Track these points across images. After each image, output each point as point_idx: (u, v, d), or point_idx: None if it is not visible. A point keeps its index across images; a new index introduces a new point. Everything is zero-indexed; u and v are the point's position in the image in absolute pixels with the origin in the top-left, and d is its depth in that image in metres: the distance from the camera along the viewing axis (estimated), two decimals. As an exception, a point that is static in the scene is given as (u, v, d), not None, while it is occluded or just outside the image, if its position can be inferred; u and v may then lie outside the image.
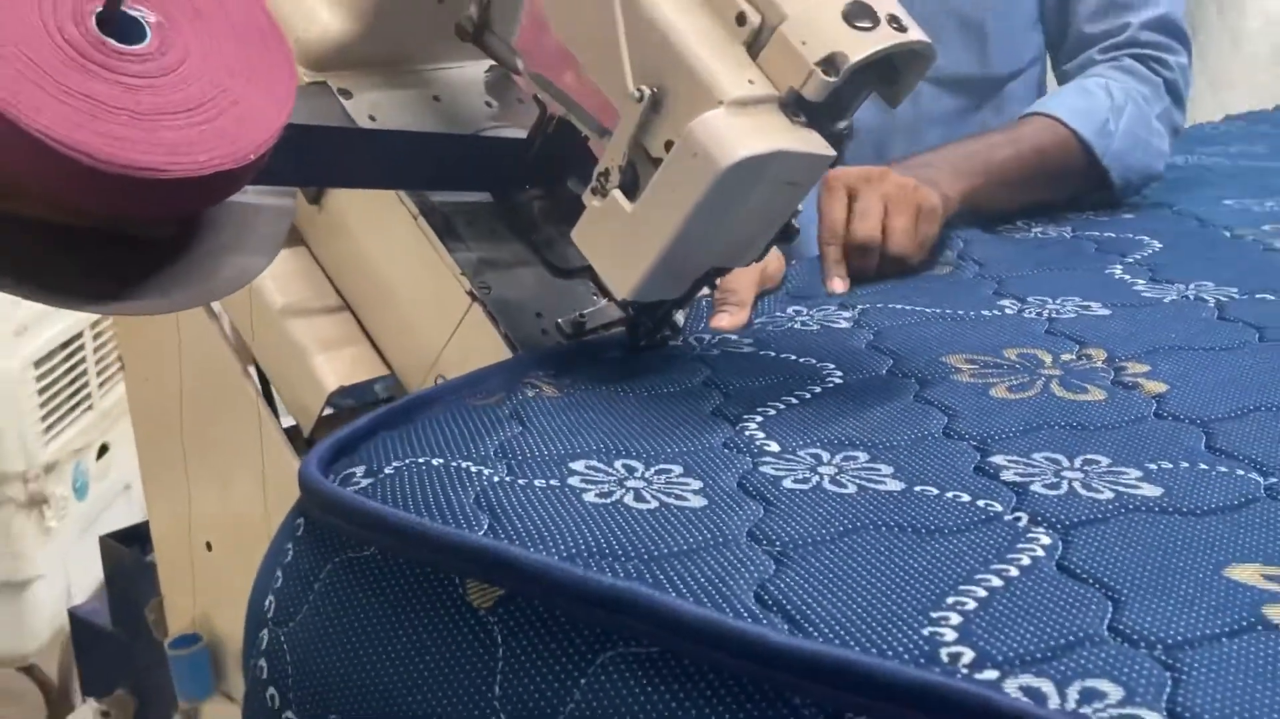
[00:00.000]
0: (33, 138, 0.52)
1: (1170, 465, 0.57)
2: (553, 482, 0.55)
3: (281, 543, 0.57)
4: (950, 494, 0.55)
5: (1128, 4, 1.17)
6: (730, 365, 0.72)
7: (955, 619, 0.44)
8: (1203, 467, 0.57)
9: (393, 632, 0.51)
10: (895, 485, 0.56)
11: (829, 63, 0.61)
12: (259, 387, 0.84)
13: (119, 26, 0.57)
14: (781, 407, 0.65)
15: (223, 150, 0.57)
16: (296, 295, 0.80)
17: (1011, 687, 0.40)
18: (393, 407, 0.62)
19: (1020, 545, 0.50)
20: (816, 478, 0.56)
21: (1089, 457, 0.58)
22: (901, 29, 0.63)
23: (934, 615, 0.44)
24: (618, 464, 0.57)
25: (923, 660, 0.42)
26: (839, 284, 0.90)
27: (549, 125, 0.77)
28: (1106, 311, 0.83)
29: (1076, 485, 0.55)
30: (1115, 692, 0.40)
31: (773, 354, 0.75)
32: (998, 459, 0.58)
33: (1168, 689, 0.40)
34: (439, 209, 0.76)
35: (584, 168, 0.74)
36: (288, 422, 0.84)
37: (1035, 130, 1.09)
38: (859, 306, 0.86)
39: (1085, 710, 0.39)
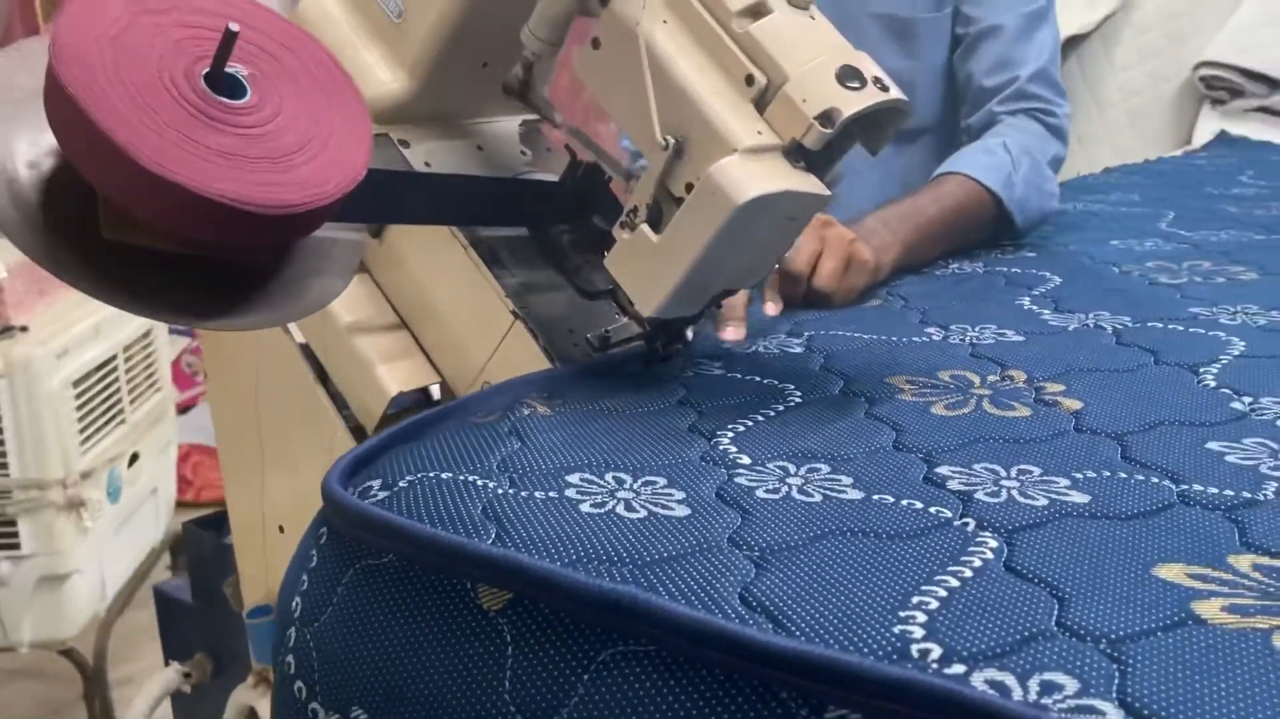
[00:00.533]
0: (193, 195, 0.52)
1: (1094, 474, 0.55)
2: (551, 493, 0.52)
3: (306, 549, 0.54)
4: (905, 502, 0.52)
5: (1015, 61, 1.21)
6: (703, 386, 0.70)
7: (921, 618, 0.41)
8: (1122, 475, 0.55)
9: (410, 631, 0.48)
10: (856, 494, 0.53)
11: (826, 117, 0.63)
12: (327, 392, 0.85)
13: (224, 84, 0.57)
14: (750, 424, 0.63)
15: (337, 180, 0.57)
16: (362, 314, 0.82)
17: (978, 680, 0.38)
18: (404, 425, 0.59)
19: (971, 548, 0.47)
20: (786, 488, 0.54)
21: (1022, 467, 0.56)
22: (885, 88, 0.65)
23: (902, 614, 0.42)
24: (608, 476, 0.54)
25: (896, 657, 0.39)
26: (770, 307, 0.90)
27: (578, 170, 0.78)
28: (1020, 338, 0.81)
29: (1014, 493, 0.53)
30: (1071, 684, 0.38)
31: (739, 376, 0.73)
32: (943, 470, 0.56)
33: (1116, 680, 0.38)
34: (485, 241, 0.78)
35: (607, 206, 0.77)
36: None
37: (953, 188, 1.10)
38: (806, 334, 0.83)
39: (1046, 702, 0.37)
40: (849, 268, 0.93)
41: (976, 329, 0.83)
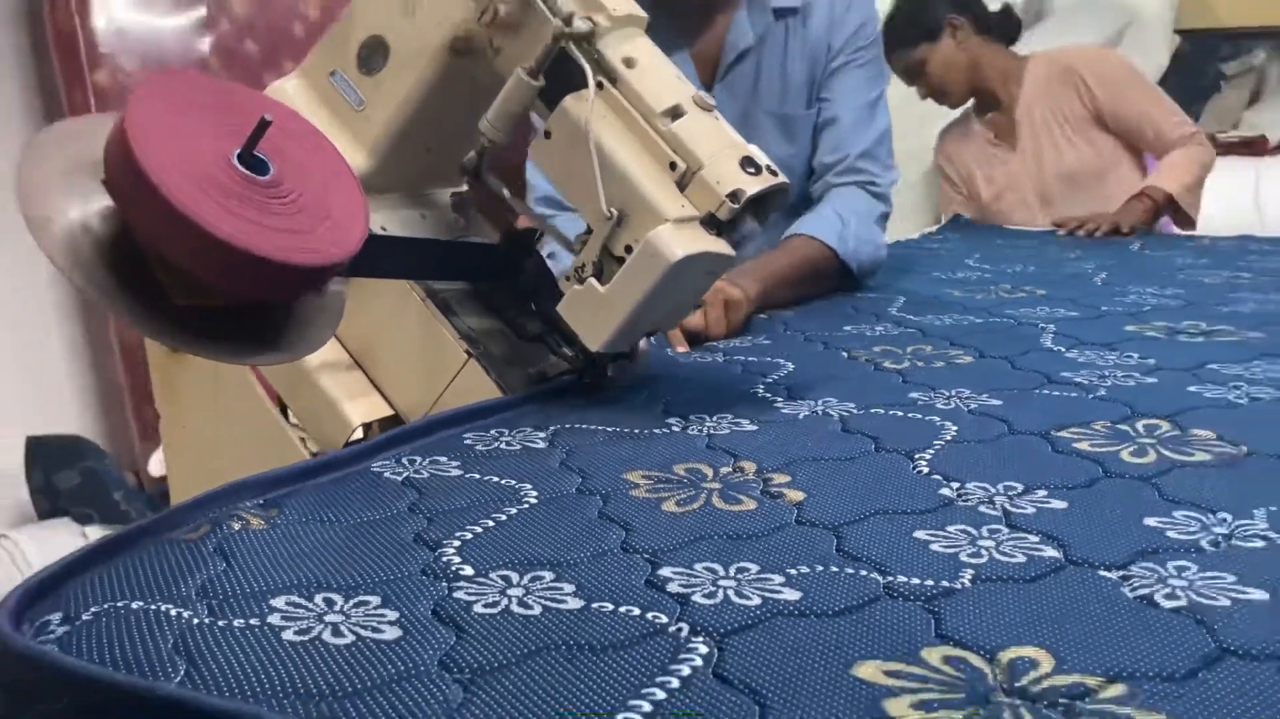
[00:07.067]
0: (248, 255, 0.64)
1: (808, 570, 0.57)
2: (253, 621, 0.49)
3: (-27, 696, 0.48)
4: (623, 609, 0.52)
5: (846, 141, 1.45)
6: (437, 488, 0.68)
7: (625, 737, 0.41)
8: (834, 569, 0.57)
9: (90, 783, 0.44)
10: (576, 603, 0.53)
11: (734, 195, 0.81)
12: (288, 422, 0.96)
13: (253, 163, 0.69)
14: (479, 530, 0.62)
15: (347, 242, 0.71)
16: (324, 358, 0.92)
17: (673, 802, 0.38)
18: (94, 545, 0.55)
19: (682, 656, 0.48)
20: (505, 600, 0.53)
21: (742, 564, 0.58)
22: (774, 174, 0.84)
23: (606, 734, 0.41)
24: (318, 598, 0.52)
25: (595, 782, 0.39)
26: (683, 346, 1.10)
27: (513, 236, 0.95)
28: (754, 427, 0.83)
29: (730, 593, 0.54)
30: (762, 798, 0.38)
31: (477, 477, 0.72)
32: (665, 571, 0.56)
33: (807, 791, 0.38)
34: (438, 294, 0.92)
35: (535, 266, 0.96)
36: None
37: (800, 245, 1.36)
38: (552, 428, 0.83)
39: (737, 820, 0.37)
40: (728, 308, 1.16)
41: (714, 419, 0.85)
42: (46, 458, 1.91)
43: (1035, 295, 1.38)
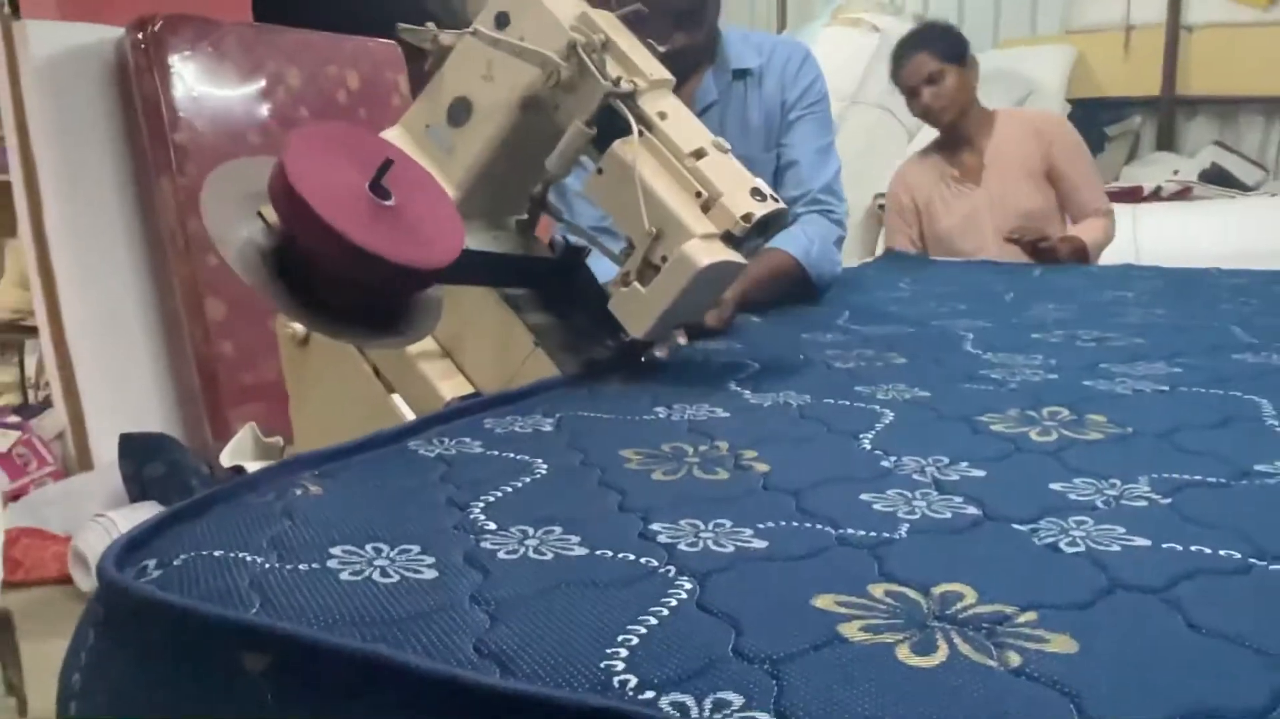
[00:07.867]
0: (383, 260, 0.71)
1: (773, 524, 0.57)
2: (314, 565, 0.49)
3: (84, 628, 0.48)
4: (620, 555, 0.52)
5: (807, 179, 1.49)
6: (463, 463, 0.68)
7: (624, 653, 0.41)
8: (794, 524, 0.57)
9: (183, 699, 0.43)
10: (582, 551, 0.53)
11: (746, 217, 0.89)
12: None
13: (380, 191, 0.75)
14: (499, 494, 0.62)
15: (451, 250, 0.77)
16: (421, 348, 0.98)
17: (665, 703, 0.38)
18: (181, 506, 0.55)
19: (670, 591, 0.48)
20: (524, 549, 0.53)
21: (718, 521, 0.58)
22: (776, 201, 0.92)
23: (608, 651, 0.41)
24: (368, 547, 0.52)
25: (600, 687, 0.39)
26: (682, 337, 1.11)
27: (566, 251, 1.03)
28: (727, 414, 0.83)
29: (709, 543, 0.54)
30: (738, 700, 0.38)
31: (496, 454, 0.72)
32: (655, 526, 0.57)
33: (774, 694, 0.39)
34: (510, 296, 0.98)
35: (584, 274, 1.02)
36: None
37: (773, 257, 1.39)
38: (558, 415, 0.83)
39: (717, 716, 0.37)
40: (720, 309, 1.20)
41: (694, 408, 0.85)
42: (136, 451, 1.89)
43: (956, 310, 1.38)
